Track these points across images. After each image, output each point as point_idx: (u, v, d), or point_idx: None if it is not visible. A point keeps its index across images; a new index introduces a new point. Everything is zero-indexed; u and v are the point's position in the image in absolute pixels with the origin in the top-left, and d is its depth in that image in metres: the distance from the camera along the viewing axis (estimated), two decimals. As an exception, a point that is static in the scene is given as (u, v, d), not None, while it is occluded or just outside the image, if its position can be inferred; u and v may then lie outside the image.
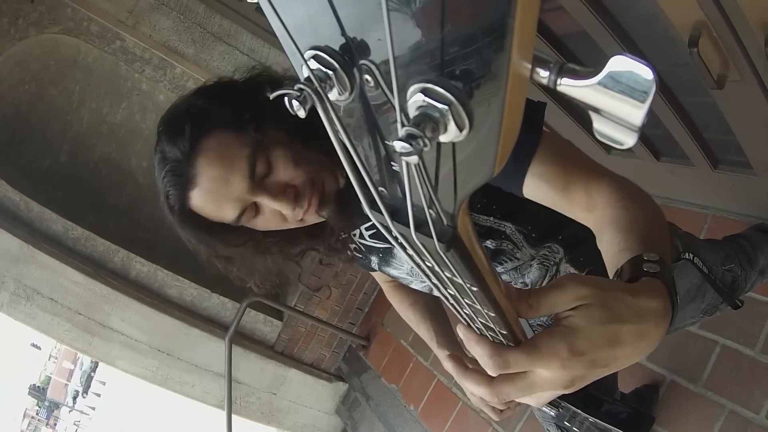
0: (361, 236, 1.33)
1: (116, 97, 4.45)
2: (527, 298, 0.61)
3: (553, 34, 2.00)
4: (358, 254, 1.40)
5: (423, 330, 1.59)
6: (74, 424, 34.07)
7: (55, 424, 37.65)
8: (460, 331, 0.64)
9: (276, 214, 1.12)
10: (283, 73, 1.24)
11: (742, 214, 2.40)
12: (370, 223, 1.29)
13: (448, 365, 0.71)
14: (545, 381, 0.61)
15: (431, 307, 1.61)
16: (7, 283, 3.95)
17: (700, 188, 2.42)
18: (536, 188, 0.99)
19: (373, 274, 1.64)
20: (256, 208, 1.12)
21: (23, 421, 37.70)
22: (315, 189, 1.11)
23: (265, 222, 1.14)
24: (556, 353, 0.58)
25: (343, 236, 1.34)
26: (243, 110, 1.09)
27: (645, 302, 0.62)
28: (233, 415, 4.05)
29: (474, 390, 0.66)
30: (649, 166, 2.42)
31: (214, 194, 1.08)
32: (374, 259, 1.39)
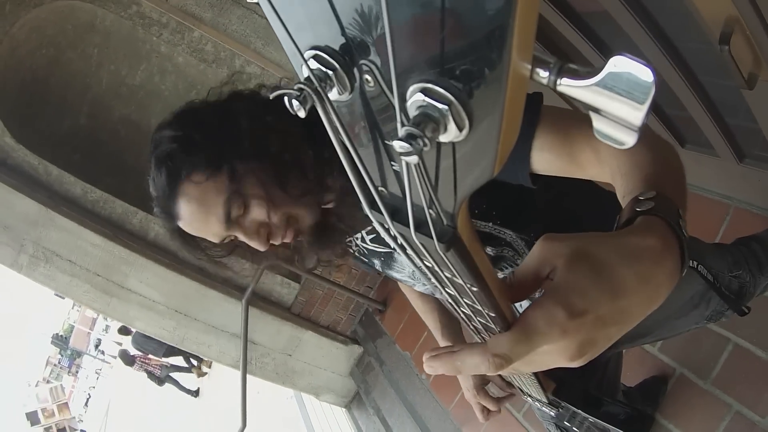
0: (363, 240, 1.35)
1: (135, 60, 4.45)
2: (510, 281, 0.57)
3: (575, 13, 1.95)
4: (362, 258, 1.42)
5: (430, 320, 1.60)
6: (95, 372, 34.64)
7: (77, 372, 38.23)
8: (432, 366, 0.58)
9: None
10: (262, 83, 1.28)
11: (767, 209, 2.35)
12: (370, 227, 1.30)
13: (431, 364, 0.60)
14: (549, 355, 0.54)
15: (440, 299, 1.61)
16: (26, 246, 4.01)
17: (724, 179, 2.36)
18: (542, 161, 0.96)
19: None
20: (235, 236, 1.18)
21: (45, 369, 38.34)
22: (289, 226, 1.16)
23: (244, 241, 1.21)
24: (553, 320, 0.50)
25: (340, 244, 1.37)
26: (220, 153, 1.13)
27: (636, 241, 0.55)
28: (248, 375, 4.12)
29: (470, 361, 0.57)
30: (674, 151, 2.36)
31: (195, 230, 1.17)
32: (377, 263, 1.40)
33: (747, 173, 2.17)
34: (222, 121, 1.15)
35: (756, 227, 2.05)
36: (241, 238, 1.15)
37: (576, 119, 0.97)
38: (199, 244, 1.24)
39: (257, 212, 1.14)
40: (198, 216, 1.13)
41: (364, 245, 1.36)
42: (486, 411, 1.44)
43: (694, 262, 1.23)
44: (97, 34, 4.27)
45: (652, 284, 0.54)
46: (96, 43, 4.31)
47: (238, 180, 1.12)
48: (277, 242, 1.16)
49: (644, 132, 0.85)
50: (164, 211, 1.17)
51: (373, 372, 4.76)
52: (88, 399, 33.41)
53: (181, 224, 1.17)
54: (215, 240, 1.17)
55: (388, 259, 1.35)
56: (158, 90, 4.51)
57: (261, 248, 1.16)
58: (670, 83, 1.79)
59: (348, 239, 1.37)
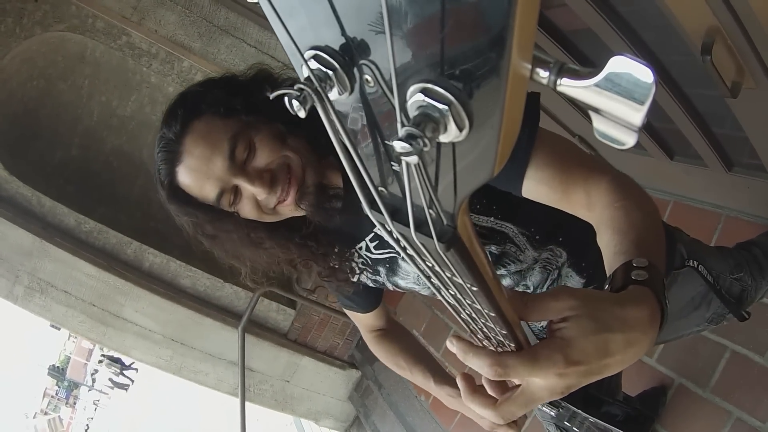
0: (367, 249, 1.34)
1: (125, 90, 4.47)
2: (524, 301, 0.65)
3: (559, 31, 1.97)
4: (367, 269, 1.41)
5: (417, 372, 1.59)
6: (93, 403, 34.36)
7: (75, 403, 37.93)
8: (454, 344, 0.67)
9: (252, 201, 1.15)
10: (283, 71, 1.29)
11: (757, 216, 2.37)
12: (372, 235, 1.30)
13: (461, 383, 0.74)
14: (542, 389, 0.65)
15: (417, 350, 1.63)
16: (21, 277, 4.00)
17: (714, 189, 2.38)
18: (536, 191, 1.01)
19: (358, 321, 1.67)
20: (235, 193, 1.15)
21: (43, 401, 38.05)
22: (293, 177, 1.14)
23: (243, 209, 1.18)
24: (554, 363, 0.61)
25: (343, 253, 1.36)
26: (235, 97, 1.16)
27: (631, 312, 0.65)
28: (247, 402, 4.09)
29: (480, 412, 0.71)
30: (663, 164, 2.36)
31: (197, 172, 1.13)
32: (382, 271, 1.39)
33: (736, 181, 2.18)
34: (243, 81, 1.21)
35: (748, 234, 2.06)
36: (243, 185, 1.12)
37: (575, 158, 1.02)
38: (195, 209, 1.19)
39: (261, 154, 1.13)
40: (203, 152, 1.12)
41: (368, 254, 1.35)
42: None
43: (695, 262, 1.25)
44: (88, 66, 4.28)
45: (634, 348, 0.65)
46: (86, 75, 4.33)
47: (250, 121, 1.13)
48: (276, 194, 1.13)
49: (637, 189, 0.91)
50: (169, 152, 1.15)
51: (371, 395, 4.73)
52: (86, 430, 33.08)
53: (182, 168, 1.14)
54: (213, 191, 1.14)
55: (393, 265, 1.34)
56: (149, 121, 4.53)
57: (262, 195, 1.13)
58: (656, 96, 1.81)
59: (350, 251, 1.36)
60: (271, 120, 1.16)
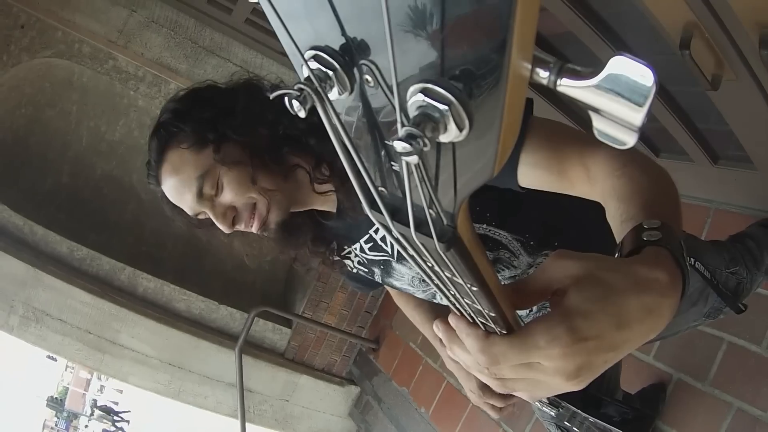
0: (362, 250, 1.36)
1: (114, 115, 4.46)
2: (518, 288, 0.58)
3: (541, 36, 1.98)
4: (362, 268, 1.42)
5: (427, 330, 1.61)
6: (93, 433, 34.17)
7: (75, 434, 37.76)
8: (451, 321, 0.59)
9: None
10: (273, 81, 1.35)
11: (745, 207, 2.38)
12: (367, 237, 1.31)
13: (438, 327, 0.62)
14: (546, 372, 0.55)
15: (436, 309, 1.62)
16: (16, 307, 3.97)
17: (701, 183, 2.39)
18: (532, 176, 0.96)
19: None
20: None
21: (42, 432, 37.89)
22: (257, 214, 1.23)
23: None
24: (555, 339, 0.52)
25: (334, 250, 1.41)
26: (207, 129, 1.21)
27: (645, 272, 0.56)
28: (248, 423, 4.07)
29: (463, 357, 0.61)
30: (649, 162, 2.38)
31: (174, 197, 1.26)
32: (377, 272, 1.40)
33: (722, 174, 2.21)
34: (219, 103, 1.24)
35: (737, 226, 2.08)
36: (210, 215, 1.22)
37: (567, 135, 0.98)
38: (180, 212, 1.30)
39: (226, 193, 1.20)
40: (175, 184, 1.22)
41: (364, 255, 1.36)
42: (497, 408, 1.43)
43: (692, 259, 1.24)
44: (75, 91, 4.27)
45: (655, 315, 0.55)
46: (74, 100, 4.31)
47: (218, 160, 1.20)
48: (241, 228, 1.23)
49: (639, 155, 0.86)
50: (153, 175, 1.27)
51: (372, 411, 4.71)
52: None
53: (164, 188, 1.25)
54: (189, 212, 1.25)
55: (388, 267, 1.36)
56: (138, 145, 4.50)
57: (225, 230, 1.23)
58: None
59: (347, 251, 1.39)
60: (242, 152, 1.21)
